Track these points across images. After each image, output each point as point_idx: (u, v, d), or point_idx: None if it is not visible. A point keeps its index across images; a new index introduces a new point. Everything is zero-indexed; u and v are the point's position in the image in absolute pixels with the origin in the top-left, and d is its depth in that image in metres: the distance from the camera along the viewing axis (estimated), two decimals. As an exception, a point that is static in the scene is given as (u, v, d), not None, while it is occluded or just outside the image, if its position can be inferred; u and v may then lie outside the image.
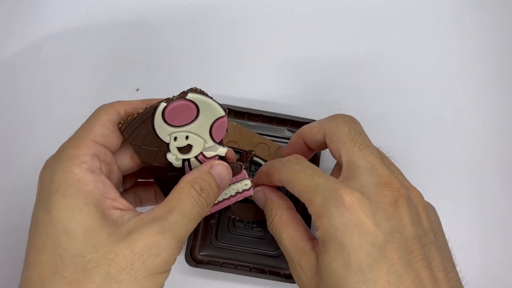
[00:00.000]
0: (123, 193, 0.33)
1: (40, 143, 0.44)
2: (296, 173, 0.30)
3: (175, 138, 0.29)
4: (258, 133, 0.42)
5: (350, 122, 0.32)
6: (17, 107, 0.45)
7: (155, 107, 0.27)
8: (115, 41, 0.47)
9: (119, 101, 0.28)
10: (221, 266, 0.39)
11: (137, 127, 0.28)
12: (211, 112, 0.28)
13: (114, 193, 0.26)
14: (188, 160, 0.30)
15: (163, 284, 0.25)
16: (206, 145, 0.29)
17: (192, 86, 0.47)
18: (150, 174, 0.30)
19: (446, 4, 0.48)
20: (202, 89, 0.28)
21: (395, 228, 0.26)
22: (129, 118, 0.28)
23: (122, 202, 0.26)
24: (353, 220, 0.26)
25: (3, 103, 0.45)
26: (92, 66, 0.46)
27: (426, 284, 0.25)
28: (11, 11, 0.47)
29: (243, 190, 0.33)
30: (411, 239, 0.26)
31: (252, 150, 0.40)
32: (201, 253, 0.40)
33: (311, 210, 0.28)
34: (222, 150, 0.29)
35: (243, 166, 0.32)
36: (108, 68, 0.46)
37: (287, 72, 0.46)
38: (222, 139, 0.29)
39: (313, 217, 0.28)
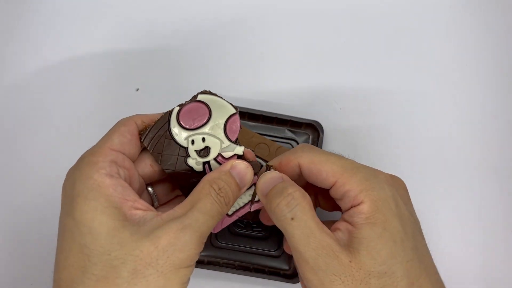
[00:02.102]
0: (162, 206, 0.34)
1: (39, 143, 0.44)
2: (324, 155, 0.29)
3: (192, 142, 0.30)
4: (258, 133, 0.42)
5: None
6: (17, 108, 0.45)
7: (169, 112, 0.29)
8: (115, 41, 0.47)
9: (137, 114, 0.30)
10: (221, 266, 0.39)
11: (155, 134, 0.29)
12: (223, 111, 0.29)
13: (133, 195, 0.27)
14: (208, 163, 0.30)
15: (189, 277, 0.27)
16: (223, 146, 0.30)
17: (192, 86, 0.47)
18: (174, 182, 0.31)
19: (446, 4, 0.48)
20: (211, 91, 0.29)
21: (412, 212, 0.30)
22: (147, 128, 0.29)
23: (142, 203, 0.27)
24: (394, 195, 0.28)
25: (3, 104, 0.45)
26: (92, 66, 0.46)
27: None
28: (11, 11, 0.47)
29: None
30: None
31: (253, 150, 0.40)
32: (201, 253, 0.40)
33: (350, 187, 0.27)
34: (239, 149, 0.30)
35: (268, 165, 0.31)
36: (108, 68, 0.46)
37: (287, 72, 0.46)
38: (237, 139, 0.30)
39: (352, 193, 0.27)
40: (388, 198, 0.27)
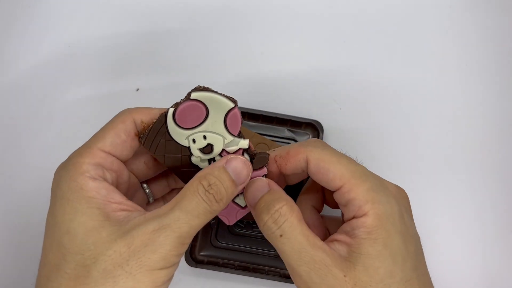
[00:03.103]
0: (156, 202, 0.33)
1: (39, 143, 0.44)
2: (335, 155, 0.28)
3: (194, 140, 0.29)
4: (258, 133, 0.42)
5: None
6: (17, 107, 0.45)
7: (165, 114, 0.28)
8: (115, 41, 0.47)
9: (139, 108, 0.29)
10: (221, 266, 0.39)
11: (154, 137, 0.28)
12: (220, 106, 0.28)
13: (119, 197, 0.26)
14: (214, 159, 0.29)
15: (169, 279, 0.25)
16: (226, 141, 0.29)
17: (192, 86, 0.47)
18: (181, 179, 0.30)
19: (446, 4, 0.48)
20: (205, 86, 0.28)
21: (415, 228, 0.29)
22: (146, 131, 0.28)
23: (128, 204, 0.26)
24: (400, 211, 0.27)
25: (3, 103, 0.45)
26: (92, 66, 0.46)
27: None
28: (11, 11, 0.47)
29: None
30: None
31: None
32: (201, 253, 0.40)
33: (356, 195, 0.26)
34: (244, 143, 0.29)
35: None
36: (108, 68, 0.46)
37: (287, 72, 0.46)
38: (240, 132, 0.29)
39: (357, 202, 0.26)
40: (394, 214, 0.26)
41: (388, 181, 0.29)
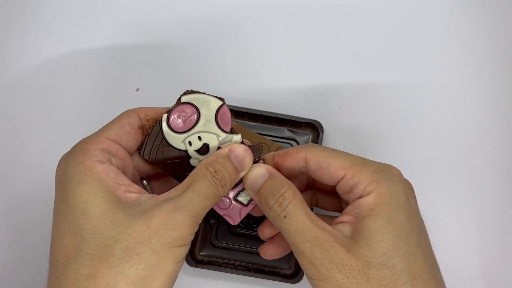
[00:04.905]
0: None
1: (39, 142, 0.44)
2: (333, 151, 0.29)
3: (190, 143, 0.30)
4: (258, 133, 0.42)
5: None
6: (17, 107, 0.45)
7: (159, 121, 0.29)
8: (115, 41, 0.47)
9: (142, 107, 0.30)
10: (221, 266, 0.39)
11: (152, 145, 0.30)
12: (209, 105, 0.29)
13: (127, 180, 0.27)
14: None
15: (183, 257, 0.26)
16: (220, 139, 0.30)
17: (192, 86, 0.47)
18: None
19: (446, 4, 0.48)
20: (193, 89, 0.29)
21: (419, 212, 0.29)
22: (143, 142, 0.29)
23: (136, 187, 0.27)
24: (405, 189, 0.28)
25: (3, 103, 0.45)
26: (92, 66, 0.46)
27: None
28: (11, 11, 0.47)
29: None
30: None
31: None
32: (201, 253, 0.40)
33: (360, 178, 0.27)
34: (237, 137, 0.30)
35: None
36: (108, 68, 0.46)
37: (287, 72, 0.46)
38: (232, 128, 0.30)
39: (362, 185, 0.27)
40: (398, 191, 0.27)
41: (392, 166, 0.30)
